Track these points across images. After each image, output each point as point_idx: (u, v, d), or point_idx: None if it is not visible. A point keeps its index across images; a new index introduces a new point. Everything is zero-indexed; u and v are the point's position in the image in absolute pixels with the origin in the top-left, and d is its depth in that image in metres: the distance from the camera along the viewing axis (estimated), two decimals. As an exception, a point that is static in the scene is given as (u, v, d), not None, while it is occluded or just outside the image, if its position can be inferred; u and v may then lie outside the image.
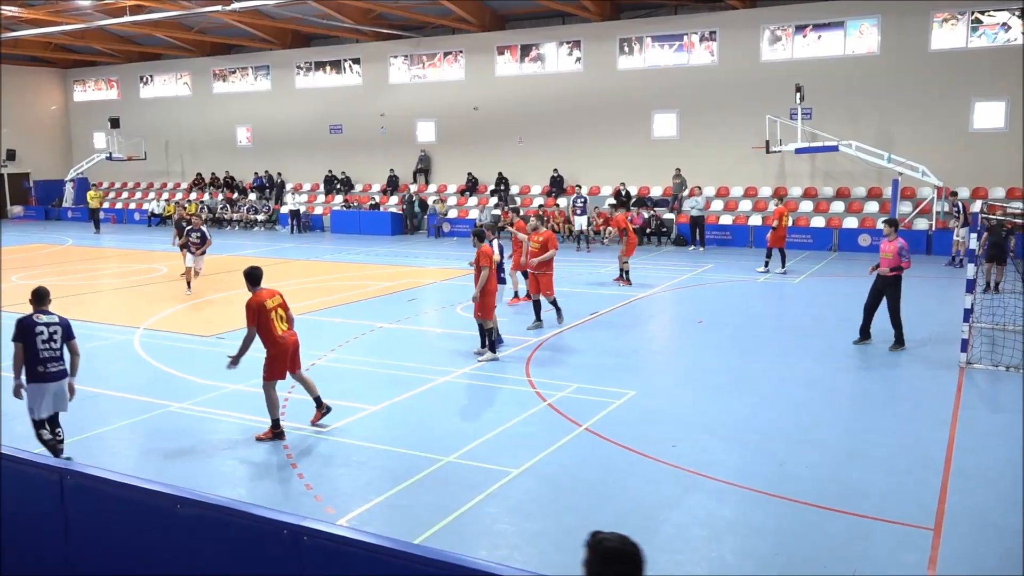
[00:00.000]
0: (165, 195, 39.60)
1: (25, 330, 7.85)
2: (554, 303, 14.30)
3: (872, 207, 26.06)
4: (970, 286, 11.48)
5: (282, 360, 9.06)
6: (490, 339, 12.27)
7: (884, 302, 12.75)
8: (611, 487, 7.71)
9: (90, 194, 35.30)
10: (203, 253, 18.62)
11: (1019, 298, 13.48)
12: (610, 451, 8.58)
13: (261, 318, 8.88)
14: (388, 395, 10.66)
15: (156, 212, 37.37)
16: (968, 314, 11.52)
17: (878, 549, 6.48)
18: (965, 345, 11.58)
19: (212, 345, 13.51)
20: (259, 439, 8.98)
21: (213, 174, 38.79)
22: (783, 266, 20.56)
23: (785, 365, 12.06)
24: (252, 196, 36.63)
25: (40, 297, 8.14)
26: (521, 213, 18.91)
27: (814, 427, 9.31)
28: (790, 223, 21.75)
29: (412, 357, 12.48)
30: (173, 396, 10.61)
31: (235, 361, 9.06)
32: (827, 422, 9.53)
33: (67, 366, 8.13)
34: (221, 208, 35.96)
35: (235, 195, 36.93)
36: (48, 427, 8.10)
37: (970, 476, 7.83)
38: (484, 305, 12.11)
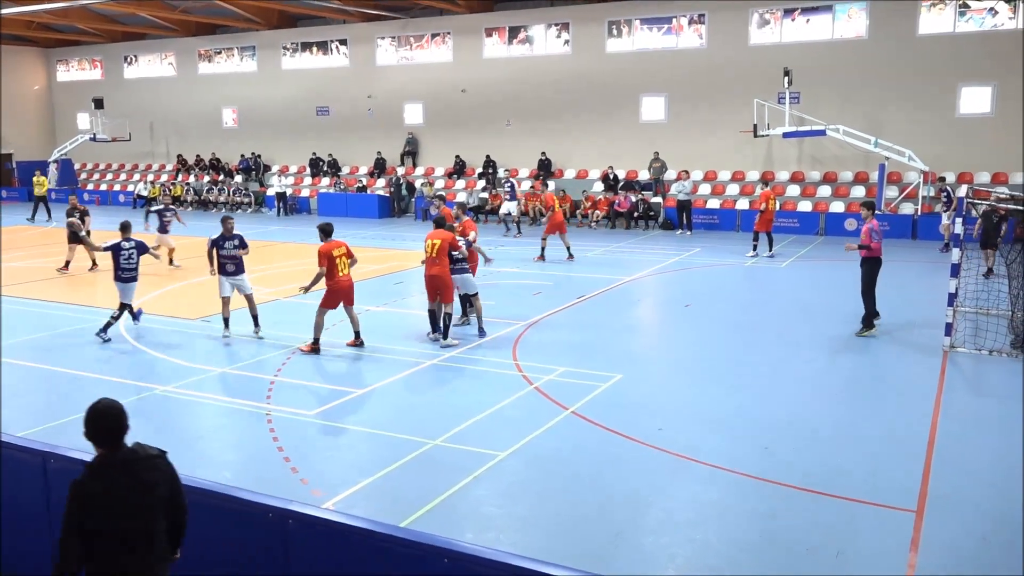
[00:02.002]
0: (151, 176, 39.28)
1: (114, 249, 12.72)
2: (463, 298, 13.44)
3: (859, 192, 26.14)
4: (955, 270, 11.54)
5: (336, 295, 11.69)
6: (445, 323, 12.25)
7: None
8: (597, 470, 7.73)
9: (36, 179, 32.24)
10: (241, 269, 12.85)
11: (1004, 283, 13.57)
12: (597, 435, 8.60)
13: (328, 262, 11.56)
14: (375, 378, 10.65)
15: (141, 194, 37.08)
16: (952, 298, 11.59)
17: (861, 531, 6.53)
18: (949, 329, 11.66)
19: (198, 328, 13.44)
20: (301, 350, 11.63)
21: (198, 156, 38.49)
22: (770, 249, 20.64)
23: (772, 349, 12.11)
24: (238, 178, 36.42)
25: (124, 227, 12.98)
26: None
27: (800, 411, 9.36)
28: (777, 207, 21.77)
29: (399, 340, 12.46)
30: (158, 379, 10.56)
31: (306, 290, 12.02)
32: (813, 406, 9.58)
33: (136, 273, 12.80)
34: (207, 190, 35.73)
35: (221, 177, 36.71)
36: (120, 310, 12.63)
37: (952, 459, 7.89)
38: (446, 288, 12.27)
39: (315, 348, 11.62)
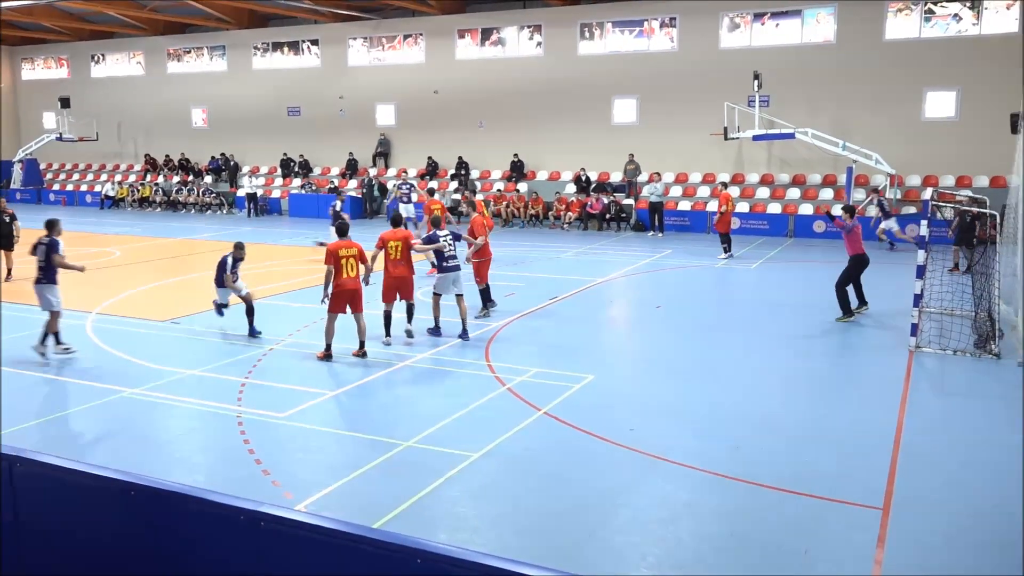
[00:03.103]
0: (118, 177, 38.78)
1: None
2: (483, 292, 14.06)
3: (827, 194, 26.47)
4: (920, 272, 11.73)
5: (340, 298, 11.29)
6: (409, 314, 12.41)
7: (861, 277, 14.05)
8: (570, 470, 7.77)
9: None
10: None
11: (967, 285, 13.83)
12: (569, 435, 8.64)
13: (335, 262, 11.23)
14: (347, 380, 10.61)
15: (109, 194, 36.64)
16: (918, 299, 11.78)
17: (829, 529, 6.63)
18: (915, 329, 11.85)
19: (166, 330, 13.31)
20: (318, 357, 11.34)
21: (167, 156, 38.06)
22: (729, 249, 20.78)
23: (743, 349, 12.24)
24: (208, 179, 36.08)
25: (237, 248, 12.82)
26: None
27: (770, 410, 9.47)
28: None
29: (370, 342, 12.40)
30: (127, 382, 10.43)
31: (323, 300, 11.43)
32: (783, 405, 9.70)
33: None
34: (176, 191, 35.39)
35: (190, 177, 36.35)
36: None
37: (917, 458, 8.03)
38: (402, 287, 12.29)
39: (328, 355, 11.30)
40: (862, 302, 14.05)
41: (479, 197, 24.65)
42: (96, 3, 32.30)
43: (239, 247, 12.83)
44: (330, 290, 11.31)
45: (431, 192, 21.36)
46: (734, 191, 27.46)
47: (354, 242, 11.59)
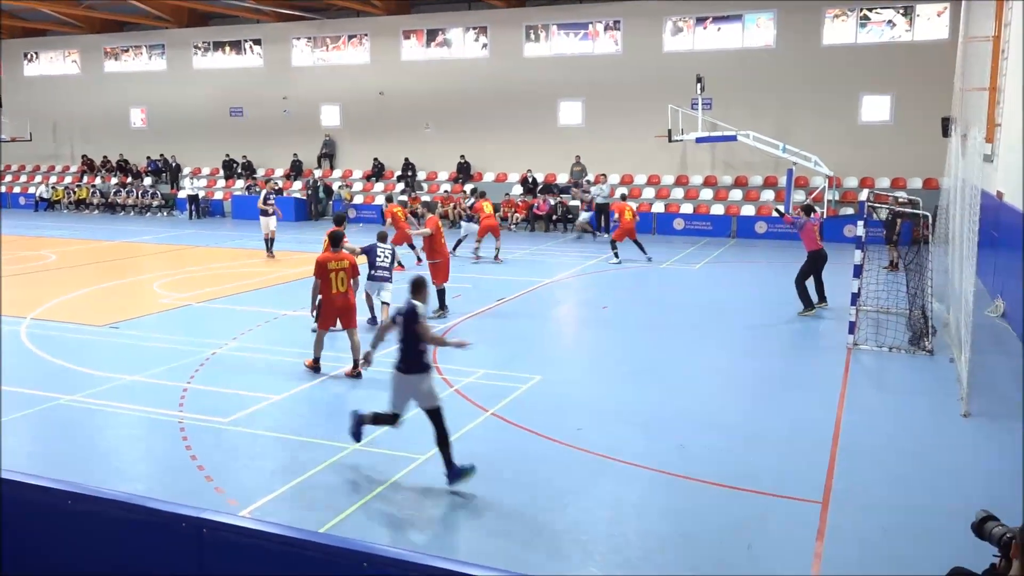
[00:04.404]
0: (53, 178, 37.71)
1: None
2: (440, 293, 14.18)
3: (768, 195, 27.01)
4: (857, 271, 12.04)
5: (329, 314, 10.72)
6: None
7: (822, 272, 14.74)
8: (517, 471, 7.80)
9: None
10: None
11: (902, 283, 14.23)
12: (517, 436, 8.68)
13: (322, 275, 10.57)
14: (291, 384, 10.48)
15: (44, 196, 35.61)
16: (855, 298, 12.09)
17: (772, 524, 6.77)
18: (852, 327, 12.16)
19: (105, 335, 13.00)
20: (306, 364, 10.81)
21: (105, 157, 37.12)
22: (644, 253, 20.40)
23: (687, 349, 12.43)
24: (147, 180, 35.32)
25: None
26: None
27: (714, 409, 9.63)
28: (636, 218, 21.65)
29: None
30: (64, 389, 10.16)
31: (313, 313, 11.15)
32: (727, 404, 9.87)
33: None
34: (115, 193, 34.56)
35: (129, 179, 35.53)
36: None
37: (855, 452, 8.24)
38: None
39: (316, 367, 10.71)
40: (821, 298, 14.64)
41: (494, 199, 24.80)
42: (29, 0, 31.36)
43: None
44: (318, 303, 10.84)
45: (404, 203, 20.98)
46: (677, 192, 27.95)
47: (346, 253, 10.97)
